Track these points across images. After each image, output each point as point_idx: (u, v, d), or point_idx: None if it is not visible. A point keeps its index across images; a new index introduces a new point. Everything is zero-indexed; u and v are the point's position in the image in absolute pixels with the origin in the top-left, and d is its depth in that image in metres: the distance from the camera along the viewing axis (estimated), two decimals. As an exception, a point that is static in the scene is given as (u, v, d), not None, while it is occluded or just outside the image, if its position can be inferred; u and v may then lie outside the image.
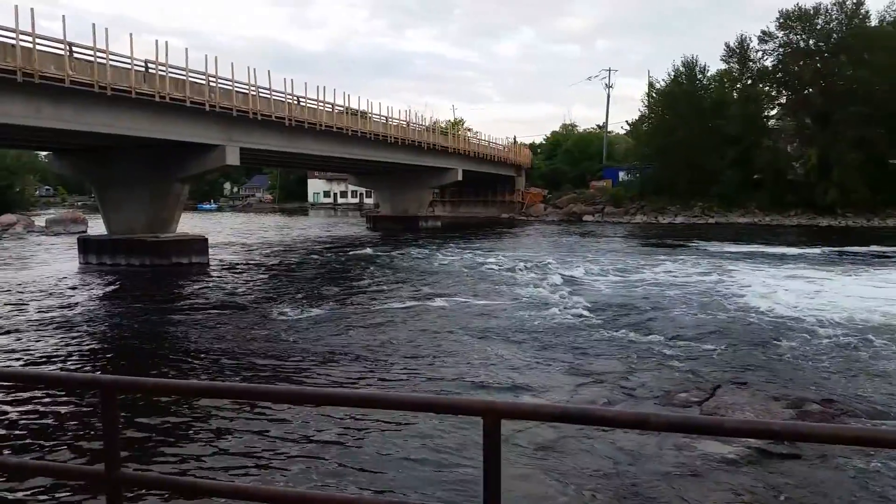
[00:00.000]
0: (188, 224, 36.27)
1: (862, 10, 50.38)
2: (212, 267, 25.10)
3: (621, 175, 63.06)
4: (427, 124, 49.68)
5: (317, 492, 3.69)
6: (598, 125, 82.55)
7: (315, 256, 29.57)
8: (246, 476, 6.61)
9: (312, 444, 7.40)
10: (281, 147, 31.23)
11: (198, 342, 12.56)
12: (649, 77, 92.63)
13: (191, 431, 7.81)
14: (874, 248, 29.51)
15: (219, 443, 7.47)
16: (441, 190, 62.97)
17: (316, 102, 32.43)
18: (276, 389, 3.06)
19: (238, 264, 26.09)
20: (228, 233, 45.64)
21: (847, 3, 50.25)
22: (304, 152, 33.74)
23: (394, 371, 10.46)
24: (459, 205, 67.32)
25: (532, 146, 77.52)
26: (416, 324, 14.14)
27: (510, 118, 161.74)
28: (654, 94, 60.90)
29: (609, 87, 75.88)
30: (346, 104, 35.66)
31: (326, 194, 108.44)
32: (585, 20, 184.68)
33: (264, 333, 13.18)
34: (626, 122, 74.75)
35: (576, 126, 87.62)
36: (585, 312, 14.98)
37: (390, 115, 40.41)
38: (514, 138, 70.92)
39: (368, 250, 31.52)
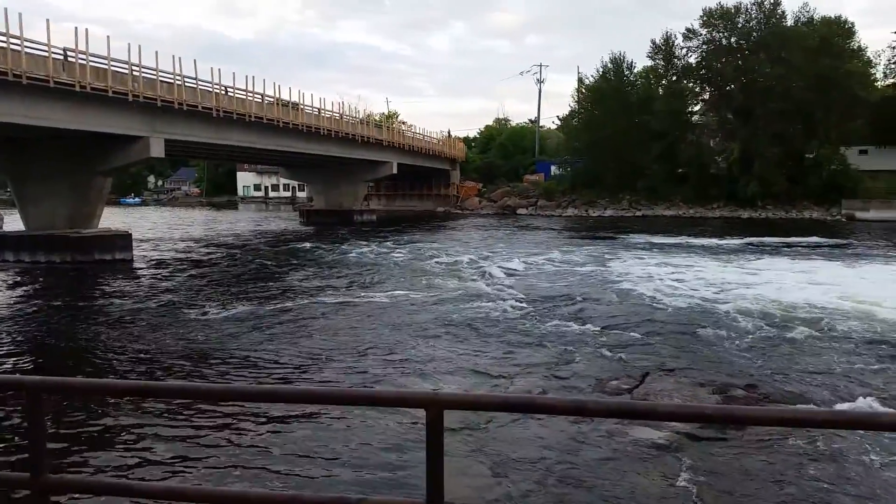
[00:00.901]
0: (111, 219, 34.92)
1: (779, 10, 52.48)
2: (136, 264, 24.33)
3: (553, 169, 64.05)
4: (361, 117, 49.32)
5: (256, 490, 3.62)
6: (530, 120, 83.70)
7: (244, 252, 28.97)
8: (180, 476, 6.44)
9: (248, 442, 7.27)
10: (208, 139, 30.42)
11: (122, 342, 12.13)
12: (579, 73, 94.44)
13: (121, 433, 7.55)
14: (793, 238, 30.90)
15: (151, 443, 7.25)
16: (376, 183, 62.64)
17: (245, 93, 31.72)
18: (210, 387, 3.00)
19: (163, 261, 25.36)
20: (153, 228, 44.26)
21: (765, 2, 52.26)
22: (233, 144, 32.96)
23: (327, 368, 10.34)
24: (395, 198, 67.13)
25: (466, 140, 77.93)
26: (349, 319, 14.03)
27: (444, 112, 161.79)
28: (583, 90, 62.07)
29: (540, 82, 77.08)
30: (277, 95, 35.02)
31: (257, 188, 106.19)
32: (516, 15, 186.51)
33: (190, 333, 12.83)
34: (558, 117, 75.94)
35: (509, 120, 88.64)
36: (516, 303, 15.20)
37: (323, 107, 39.89)
38: (449, 132, 71.24)
39: (300, 245, 31.08)
